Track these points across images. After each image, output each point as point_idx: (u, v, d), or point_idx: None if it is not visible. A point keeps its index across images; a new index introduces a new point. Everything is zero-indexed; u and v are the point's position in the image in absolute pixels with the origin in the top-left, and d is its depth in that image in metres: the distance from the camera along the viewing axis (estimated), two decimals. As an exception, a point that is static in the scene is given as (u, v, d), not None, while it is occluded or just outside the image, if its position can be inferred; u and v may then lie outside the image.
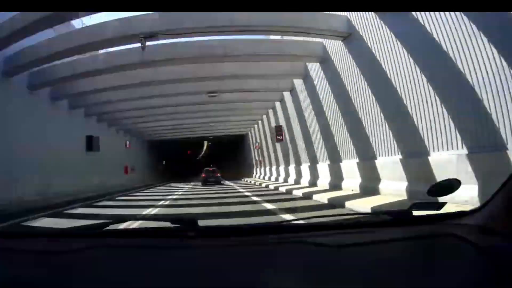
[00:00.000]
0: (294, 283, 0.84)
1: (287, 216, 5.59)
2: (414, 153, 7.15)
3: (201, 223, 1.23)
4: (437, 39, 6.04)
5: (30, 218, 6.24)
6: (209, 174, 21.20)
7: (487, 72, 5.13)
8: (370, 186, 8.41)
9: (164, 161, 44.54)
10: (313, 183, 12.85)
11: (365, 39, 8.15)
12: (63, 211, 9.16)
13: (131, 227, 3.73)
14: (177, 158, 48.63)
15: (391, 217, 1.18)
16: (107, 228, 1.33)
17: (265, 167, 21.90)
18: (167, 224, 1.21)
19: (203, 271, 0.91)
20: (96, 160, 17.35)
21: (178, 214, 7.35)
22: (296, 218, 1.53)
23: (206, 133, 29.66)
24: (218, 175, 20.72)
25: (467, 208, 1.15)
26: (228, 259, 0.97)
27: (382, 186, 8.20)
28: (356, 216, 1.38)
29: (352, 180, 9.83)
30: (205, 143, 40.45)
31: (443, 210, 1.25)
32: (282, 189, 12.97)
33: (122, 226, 2.88)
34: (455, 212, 1.13)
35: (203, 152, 48.27)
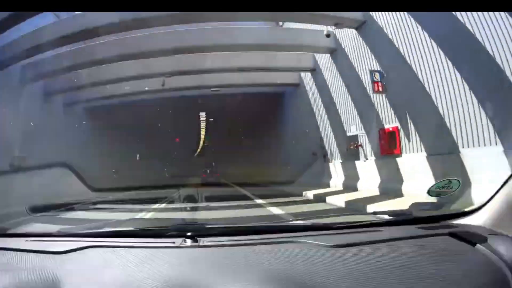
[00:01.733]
0: (295, 283, 0.82)
1: (289, 217, 5.36)
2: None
3: (202, 223, 1.21)
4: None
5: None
6: (208, 175, 23.23)
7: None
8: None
9: (138, 156, 28.09)
10: None
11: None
12: None
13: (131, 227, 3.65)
14: (161, 152, 29.55)
15: (391, 217, 1.17)
16: (107, 228, 1.32)
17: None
18: (168, 224, 1.19)
19: (204, 270, 0.90)
20: None
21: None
22: (297, 218, 1.51)
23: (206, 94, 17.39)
24: (218, 175, 19.05)
25: (468, 208, 1.14)
26: (229, 259, 0.96)
27: None
28: (357, 216, 1.35)
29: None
30: (203, 121, 25.41)
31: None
32: None
33: (122, 226, 2.84)
34: (455, 212, 1.13)
35: (203, 137, 31.11)
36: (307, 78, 15.12)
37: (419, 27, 8.59)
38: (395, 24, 9.24)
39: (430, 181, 7.13)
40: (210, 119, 24.34)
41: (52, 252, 1.29)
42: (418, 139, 8.60)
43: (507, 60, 6.52)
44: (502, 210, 1.24)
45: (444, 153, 7.49)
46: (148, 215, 8.75)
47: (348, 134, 11.86)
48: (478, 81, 6.97)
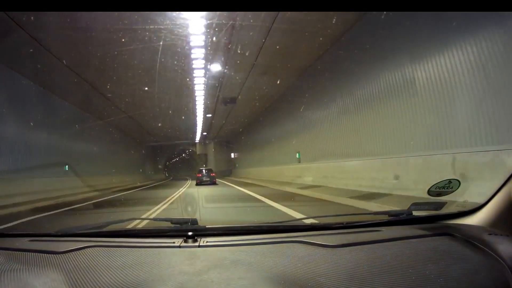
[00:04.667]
0: (295, 283, 0.81)
1: (289, 215, 5.40)
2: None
3: (202, 223, 1.20)
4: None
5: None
6: (204, 174, 24.39)
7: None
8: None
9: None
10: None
11: None
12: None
13: (131, 227, 3.68)
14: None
15: (391, 217, 1.15)
16: (107, 228, 1.30)
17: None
18: (168, 224, 1.18)
19: (204, 270, 0.88)
20: None
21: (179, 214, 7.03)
22: (297, 218, 1.50)
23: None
24: (213, 174, 18.44)
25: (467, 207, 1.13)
26: (229, 259, 0.94)
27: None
28: (356, 216, 1.33)
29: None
30: None
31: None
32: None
33: (122, 226, 2.82)
34: (455, 212, 1.11)
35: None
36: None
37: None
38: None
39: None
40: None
41: (52, 252, 1.29)
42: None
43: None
44: (502, 210, 1.24)
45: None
46: (149, 215, 8.75)
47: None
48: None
